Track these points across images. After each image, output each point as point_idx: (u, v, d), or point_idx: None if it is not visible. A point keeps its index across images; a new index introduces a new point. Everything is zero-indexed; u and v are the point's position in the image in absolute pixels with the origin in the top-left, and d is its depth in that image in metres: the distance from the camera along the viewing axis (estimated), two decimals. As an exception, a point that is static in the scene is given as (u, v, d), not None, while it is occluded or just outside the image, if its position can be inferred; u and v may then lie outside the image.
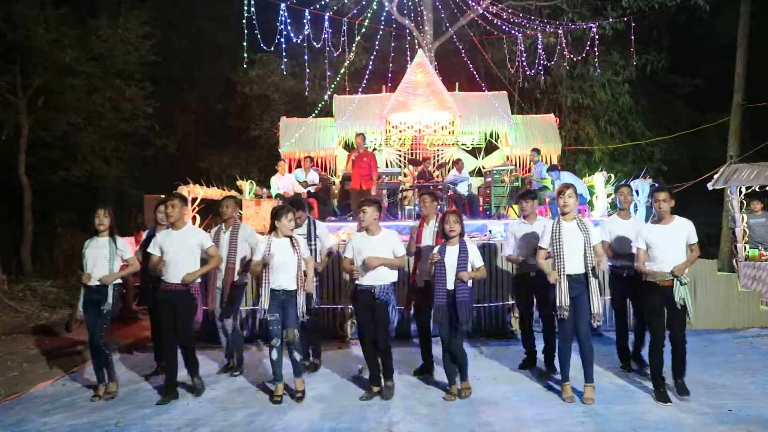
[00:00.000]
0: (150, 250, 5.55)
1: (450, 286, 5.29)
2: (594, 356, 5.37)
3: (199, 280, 5.54)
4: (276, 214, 5.41)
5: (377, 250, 5.40)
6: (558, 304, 5.20)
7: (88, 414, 5.18)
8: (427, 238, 5.95)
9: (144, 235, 6.48)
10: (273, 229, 5.44)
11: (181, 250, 5.40)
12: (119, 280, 5.61)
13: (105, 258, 5.46)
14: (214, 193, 10.64)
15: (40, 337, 8.62)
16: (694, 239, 5.31)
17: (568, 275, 5.20)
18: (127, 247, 5.70)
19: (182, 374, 5.72)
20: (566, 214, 5.31)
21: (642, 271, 5.35)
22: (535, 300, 6.25)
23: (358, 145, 10.68)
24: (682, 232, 5.28)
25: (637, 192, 9.95)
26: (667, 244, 5.23)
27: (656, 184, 10.47)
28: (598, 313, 5.23)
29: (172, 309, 5.42)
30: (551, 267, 5.27)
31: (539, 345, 6.33)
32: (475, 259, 5.36)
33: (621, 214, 6.20)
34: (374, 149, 12.90)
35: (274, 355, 5.37)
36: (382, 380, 5.55)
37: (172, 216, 5.45)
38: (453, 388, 5.41)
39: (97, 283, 5.46)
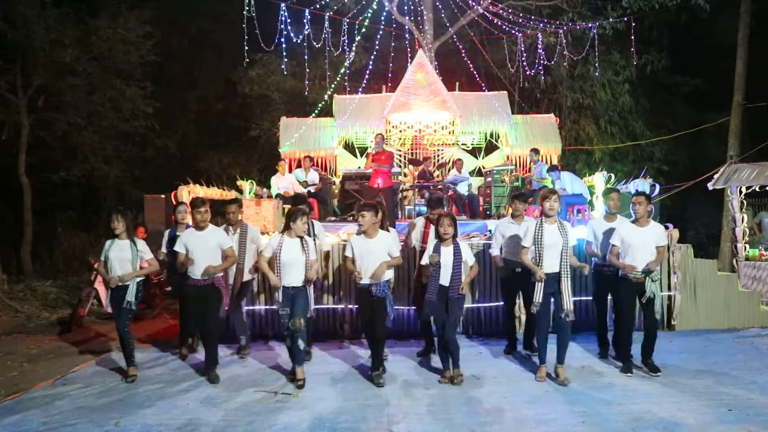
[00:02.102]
0: (176, 248, 6.05)
1: (444, 282, 5.69)
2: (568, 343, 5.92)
3: (221, 274, 6.10)
4: (291, 216, 5.81)
5: (374, 251, 5.81)
6: (533, 300, 5.71)
7: (88, 414, 5.18)
8: (433, 238, 6.10)
9: (166, 235, 7.07)
10: (287, 228, 5.82)
11: (206, 249, 5.96)
12: (142, 278, 6.18)
13: (128, 260, 6.01)
14: (215, 193, 10.63)
15: (40, 337, 8.62)
16: (663, 242, 6.04)
17: (546, 274, 5.65)
18: (147, 248, 6.22)
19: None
20: (549, 217, 5.75)
21: (614, 264, 6.02)
22: (521, 293, 6.81)
23: (378, 144, 10.85)
24: (654, 235, 5.96)
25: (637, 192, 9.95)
26: (640, 245, 5.89)
27: (656, 185, 10.48)
28: (570, 309, 5.70)
29: (201, 303, 6.02)
30: (535, 264, 5.75)
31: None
32: (468, 258, 5.79)
33: (607, 218, 6.61)
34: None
35: (289, 343, 5.84)
36: (372, 370, 5.92)
37: (203, 221, 6.01)
38: (446, 372, 5.83)
39: (125, 283, 6.01)
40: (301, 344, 5.84)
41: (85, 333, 8.76)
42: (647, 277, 5.88)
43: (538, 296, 5.68)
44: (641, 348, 6.13)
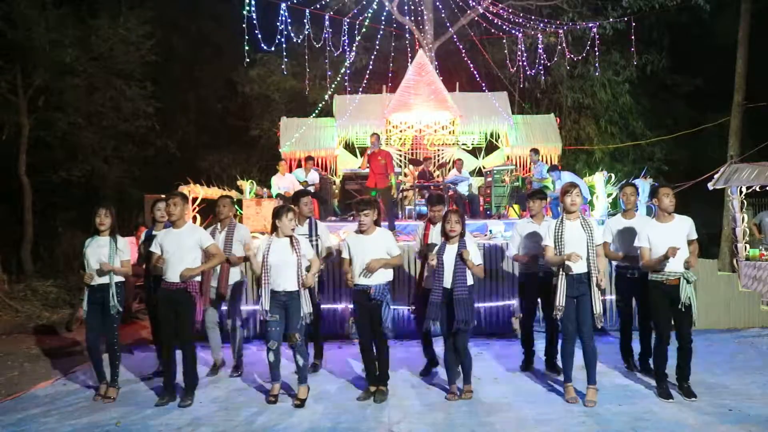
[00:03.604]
0: (152, 249, 5.52)
1: (447, 285, 5.29)
2: (597, 357, 5.38)
3: (199, 278, 5.47)
4: (277, 214, 5.39)
5: (372, 249, 5.39)
6: (555, 303, 5.18)
7: (88, 414, 5.18)
8: (434, 239, 5.89)
9: (143, 234, 6.49)
10: (274, 229, 5.41)
11: (180, 249, 5.33)
12: (120, 278, 5.58)
13: (105, 257, 5.47)
14: (215, 192, 10.63)
15: (41, 337, 8.62)
16: (694, 235, 5.38)
17: (569, 275, 5.16)
18: (127, 248, 5.68)
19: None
20: (572, 213, 5.27)
21: (649, 266, 5.33)
22: (540, 300, 6.22)
23: (373, 144, 10.79)
24: (682, 229, 5.32)
25: (637, 191, 9.94)
26: (669, 242, 5.20)
27: (656, 184, 10.47)
28: (600, 313, 5.18)
29: (172, 308, 5.36)
30: (562, 258, 5.17)
31: (540, 345, 6.36)
32: (475, 257, 5.33)
33: (625, 215, 6.13)
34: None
35: (271, 357, 5.38)
36: (378, 382, 5.50)
37: (174, 215, 5.37)
38: (453, 387, 5.41)
39: (100, 282, 5.47)
40: (300, 361, 5.34)
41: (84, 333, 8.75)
42: (682, 279, 5.21)
43: (561, 299, 5.13)
44: (676, 369, 5.38)
